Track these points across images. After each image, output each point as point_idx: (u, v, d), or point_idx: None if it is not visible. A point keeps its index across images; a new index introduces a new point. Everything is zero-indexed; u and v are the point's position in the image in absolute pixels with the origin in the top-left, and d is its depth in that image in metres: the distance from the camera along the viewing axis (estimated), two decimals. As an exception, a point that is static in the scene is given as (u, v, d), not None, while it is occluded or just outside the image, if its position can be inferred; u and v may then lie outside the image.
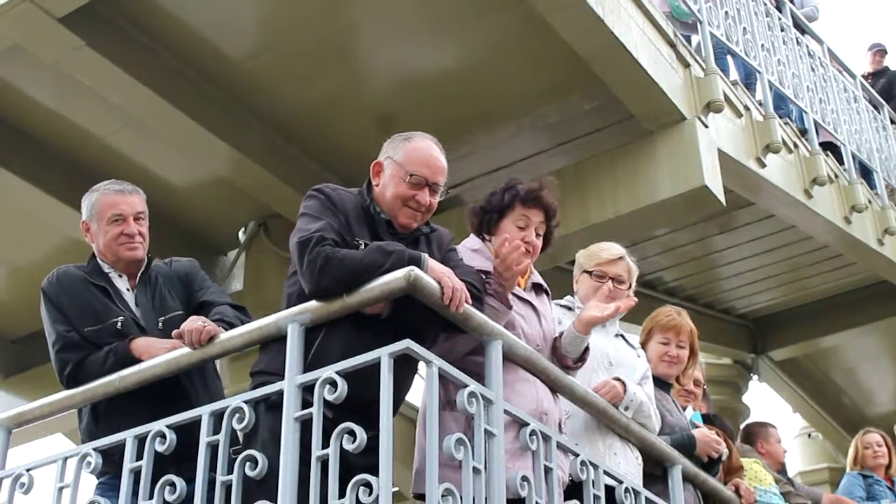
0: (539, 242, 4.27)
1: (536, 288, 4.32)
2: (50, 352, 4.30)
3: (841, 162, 10.78)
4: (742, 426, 8.50)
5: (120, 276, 4.42)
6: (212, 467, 3.48)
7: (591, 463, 3.91)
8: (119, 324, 4.22)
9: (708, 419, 5.89)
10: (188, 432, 3.59)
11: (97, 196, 4.49)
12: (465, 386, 3.34)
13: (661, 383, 5.20)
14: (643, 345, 5.32)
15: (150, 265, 4.48)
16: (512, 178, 4.37)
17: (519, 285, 4.18)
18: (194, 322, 3.83)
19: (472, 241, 4.33)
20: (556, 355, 4.22)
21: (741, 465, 5.71)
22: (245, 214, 9.27)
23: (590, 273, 4.82)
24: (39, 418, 4.30)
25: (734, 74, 9.93)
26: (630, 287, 4.86)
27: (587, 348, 4.28)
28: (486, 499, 3.29)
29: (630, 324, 7.61)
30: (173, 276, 4.51)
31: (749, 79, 9.83)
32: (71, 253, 9.69)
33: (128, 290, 4.39)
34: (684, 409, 5.54)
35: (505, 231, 4.21)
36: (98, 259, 4.47)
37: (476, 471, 3.27)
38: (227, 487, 3.37)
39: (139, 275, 4.43)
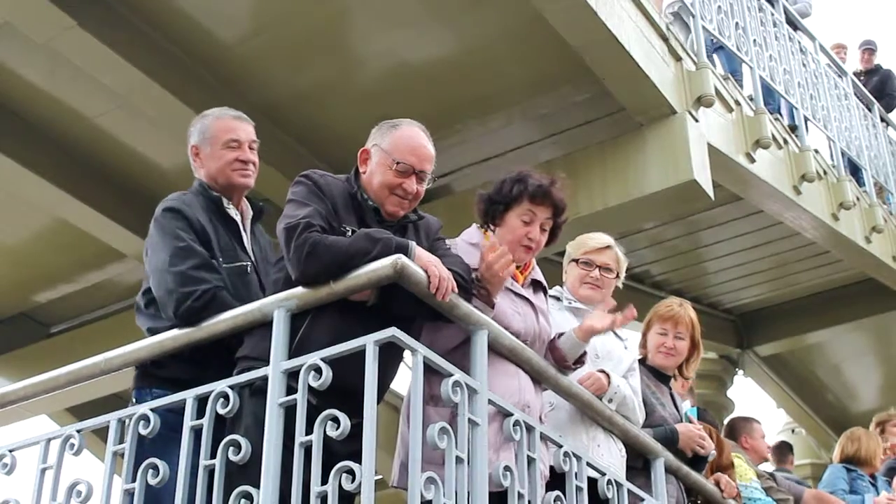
0: (543, 239, 4.20)
1: (535, 285, 4.28)
2: (162, 273, 3.83)
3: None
4: (726, 421, 8.53)
5: (242, 217, 4.17)
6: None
7: (575, 454, 3.91)
8: (249, 268, 4.03)
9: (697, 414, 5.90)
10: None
11: (211, 119, 4.25)
12: (450, 375, 3.34)
13: (659, 375, 5.22)
14: (644, 334, 5.35)
15: (262, 212, 4.29)
16: (522, 170, 4.25)
17: (517, 281, 4.17)
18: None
19: (470, 233, 4.28)
20: (554, 355, 4.19)
21: (732, 462, 5.70)
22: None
23: (577, 261, 4.83)
24: (23, 399, 4.28)
25: (719, 69, 9.95)
26: (619, 277, 4.87)
27: (585, 352, 4.28)
28: (468, 489, 3.29)
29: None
30: (266, 247, 4.31)
31: (735, 75, 9.85)
32: (59, 233, 9.75)
33: (244, 231, 4.15)
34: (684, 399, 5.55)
35: (509, 224, 4.16)
36: (209, 189, 4.14)
37: (459, 460, 3.28)
38: (210, 472, 3.37)
39: (251, 218, 4.23)
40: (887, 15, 37.19)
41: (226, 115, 4.27)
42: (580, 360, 4.27)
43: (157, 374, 3.90)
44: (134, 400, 3.92)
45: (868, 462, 7.76)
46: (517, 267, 4.18)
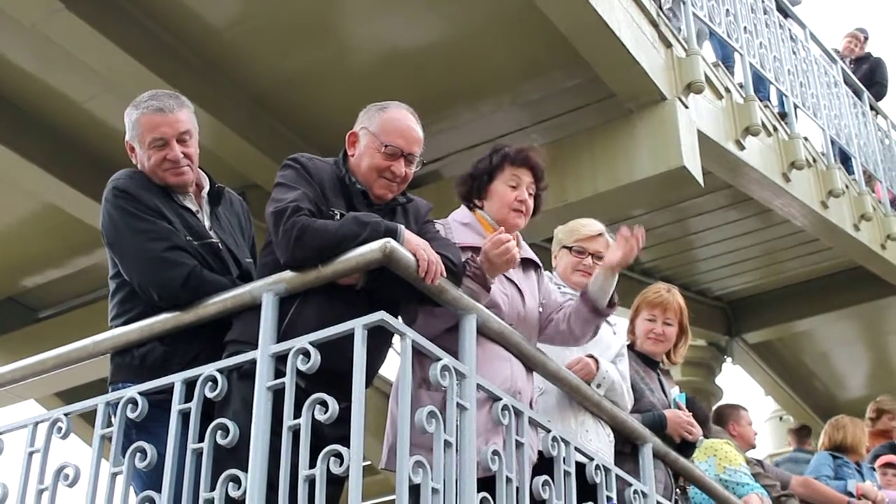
0: (531, 203, 4.24)
1: (525, 263, 4.27)
2: (136, 260, 3.78)
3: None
4: (714, 408, 8.56)
5: (191, 199, 3.97)
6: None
7: (563, 439, 3.90)
8: (220, 244, 3.89)
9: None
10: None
11: (137, 115, 3.89)
12: (439, 360, 3.33)
13: (648, 361, 5.23)
14: (632, 321, 5.35)
15: (221, 194, 4.11)
16: (497, 144, 4.34)
17: None
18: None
19: (461, 213, 4.28)
20: (586, 307, 4.16)
21: None
22: (223, 184, 9.23)
23: (569, 248, 4.84)
24: (10, 383, 4.26)
25: (710, 56, 9.94)
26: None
27: (615, 295, 4.23)
28: (456, 475, 3.29)
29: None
30: (241, 214, 4.18)
31: (726, 61, 9.84)
32: (47, 218, 9.71)
33: (198, 212, 3.96)
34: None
35: (497, 192, 4.19)
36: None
37: (448, 444, 3.27)
38: (198, 455, 3.36)
39: (208, 200, 4.03)
40: (877, 3, 37.25)
41: (150, 109, 3.88)
42: (612, 304, 4.23)
43: (131, 364, 3.82)
44: None
45: (854, 449, 7.80)
46: None
